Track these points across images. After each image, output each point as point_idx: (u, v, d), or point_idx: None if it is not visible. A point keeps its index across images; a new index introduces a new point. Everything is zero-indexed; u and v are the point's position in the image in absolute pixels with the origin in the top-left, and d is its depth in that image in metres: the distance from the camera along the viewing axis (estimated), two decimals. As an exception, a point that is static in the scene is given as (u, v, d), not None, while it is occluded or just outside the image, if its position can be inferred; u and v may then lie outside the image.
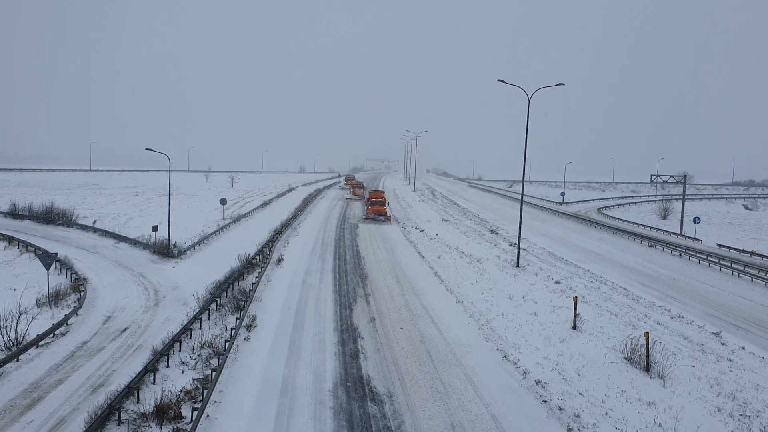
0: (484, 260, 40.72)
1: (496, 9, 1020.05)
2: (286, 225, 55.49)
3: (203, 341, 21.82)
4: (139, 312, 27.35)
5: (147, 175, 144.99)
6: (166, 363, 19.75)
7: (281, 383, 18.48)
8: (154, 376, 18.55)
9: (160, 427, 15.40)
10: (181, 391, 17.23)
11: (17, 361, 20.42)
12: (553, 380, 19.18)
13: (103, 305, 28.27)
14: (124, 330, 24.49)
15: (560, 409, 17.10)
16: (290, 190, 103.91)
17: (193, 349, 21.36)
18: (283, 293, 30.04)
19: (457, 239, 50.74)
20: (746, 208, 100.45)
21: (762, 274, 38.95)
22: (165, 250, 40.93)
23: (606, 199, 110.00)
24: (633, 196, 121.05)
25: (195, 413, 15.50)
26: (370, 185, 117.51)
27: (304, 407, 16.86)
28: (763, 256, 45.59)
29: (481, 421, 16.28)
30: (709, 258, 44.13)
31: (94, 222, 54.99)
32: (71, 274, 33.92)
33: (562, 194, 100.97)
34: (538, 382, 18.99)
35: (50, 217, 55.94)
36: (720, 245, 52.16)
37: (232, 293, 28.74)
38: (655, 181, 67.88)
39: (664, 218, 78.26)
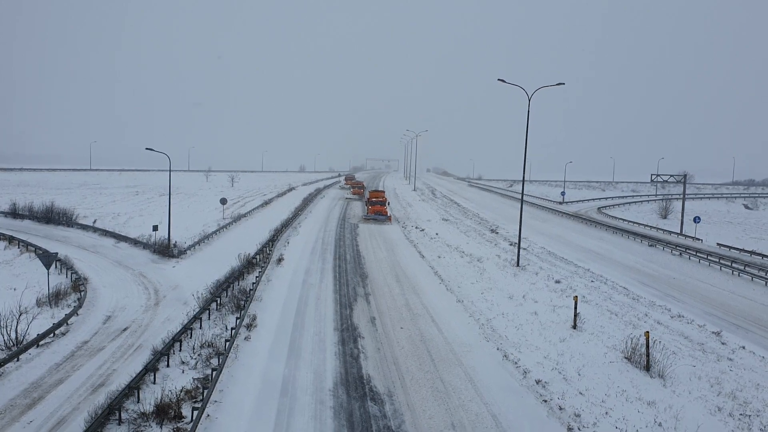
0: (484, 259, 40.72)
1: (496, 9, 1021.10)
2: (287, 224, 55.48)
3: (203, 341, 21.83)
4: (139, 311, 27.35)
5: (147, 174, 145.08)
6: (166, 362, 19.76)
7: (281, 383, 18.48)
8: (155, 375, 18.55)
9: (161, 427, 15.40)
10: (181, 390, 17.23)
11: (17, 360, 20.43)
12: (553, 380, 19.17)
13: (104, 305, 28.27)
14: (125, 329, 24.50)
15: (560, 408, 17.10)
16: (290, 189, 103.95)
17: (194, 348, 21.37)
18: (283, 293, 30.04)
19: (457, 239, 50.74)
20: (746, 207, 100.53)
21: (762, 273, 38.94)
22: (165, 250, 40.95)
23: (606, 198, 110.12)
24: (633, 196, 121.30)
25: (195, 413, 15.50)
26: (370, 185, 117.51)
27: (305, 407, 16.86)
28: (763, 256, 45.61)
29: (482, 421, 16.28)
30: (709, 257, 44.14)
31: (95, 222, 55.02)
32: (71, 273, 33.94)
33: (563, 194, 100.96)
34: (538, 382, 18.98)
35: (50, 216, 55.93)
36: (720, 245, 52.20)
37: (233, 293, 28.73)
38: (655, 180, 67.91)
39: (665, 218, 78.30)
